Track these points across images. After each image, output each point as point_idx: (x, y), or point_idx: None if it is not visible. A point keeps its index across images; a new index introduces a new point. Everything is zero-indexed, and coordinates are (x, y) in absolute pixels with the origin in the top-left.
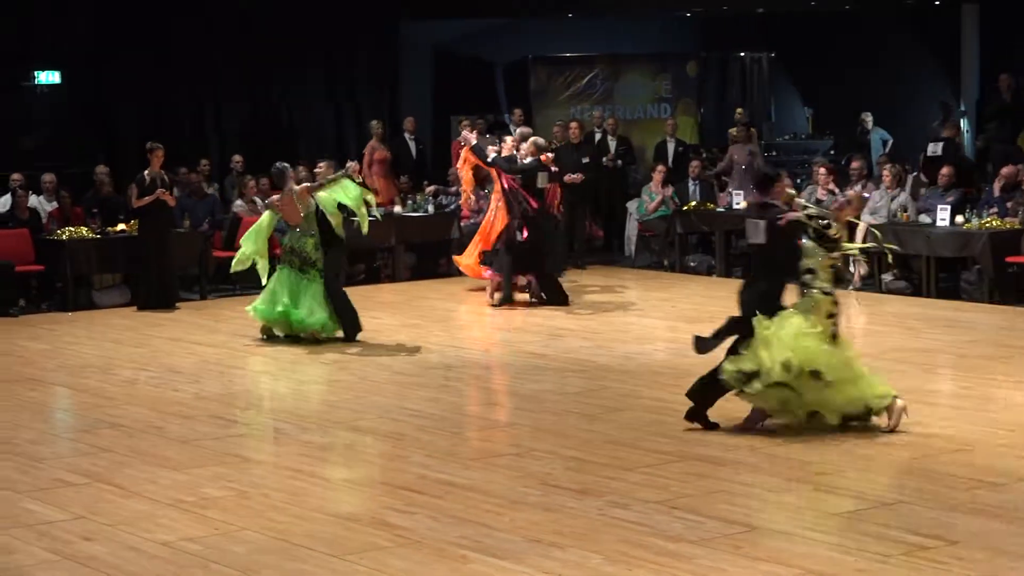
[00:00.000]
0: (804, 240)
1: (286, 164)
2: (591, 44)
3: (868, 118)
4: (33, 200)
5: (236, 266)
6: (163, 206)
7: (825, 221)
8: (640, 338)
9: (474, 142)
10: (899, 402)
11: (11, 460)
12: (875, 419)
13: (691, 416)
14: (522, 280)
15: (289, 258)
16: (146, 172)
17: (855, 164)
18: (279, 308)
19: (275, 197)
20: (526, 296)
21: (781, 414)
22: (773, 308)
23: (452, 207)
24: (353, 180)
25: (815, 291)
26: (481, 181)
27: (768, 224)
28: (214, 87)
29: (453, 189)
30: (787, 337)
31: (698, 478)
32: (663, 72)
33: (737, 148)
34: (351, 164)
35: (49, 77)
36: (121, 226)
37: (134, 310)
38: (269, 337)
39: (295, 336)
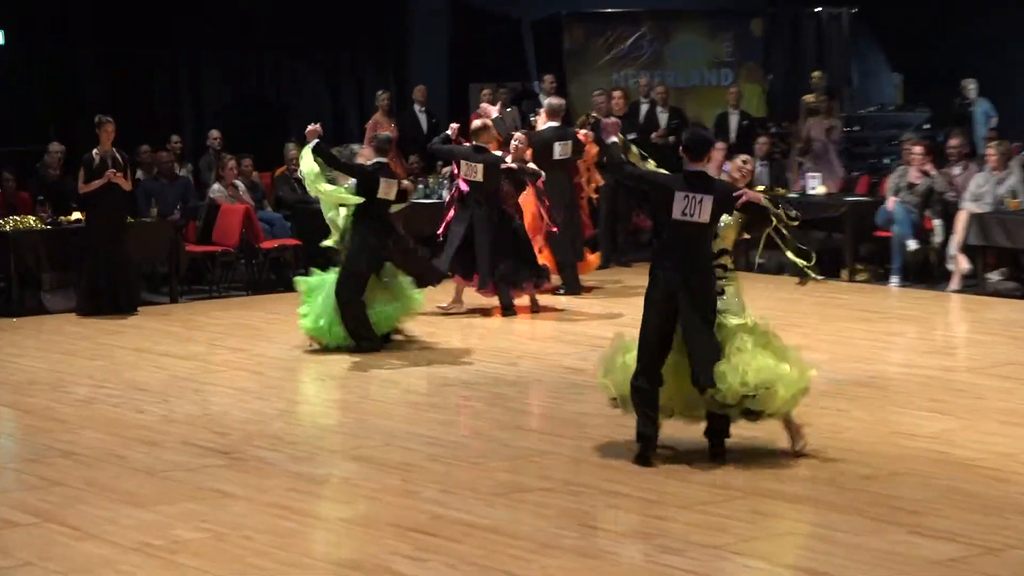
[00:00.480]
0: (726, 216)
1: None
2: None
3: (971, 86)
4: None
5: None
6: (116, 191)
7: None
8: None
9: (495, 115)
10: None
11: None
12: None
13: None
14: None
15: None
16: (95, 151)
17: (954, 141)
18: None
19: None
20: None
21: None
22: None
23: None
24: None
25: (730, 274)
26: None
27: (717, 201)
28: (191, 49)
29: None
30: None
31: (767, 518)
32: (723, 31)
33: (815, 122)
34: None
35: None
36: (76, 215)
37: (70, 317)
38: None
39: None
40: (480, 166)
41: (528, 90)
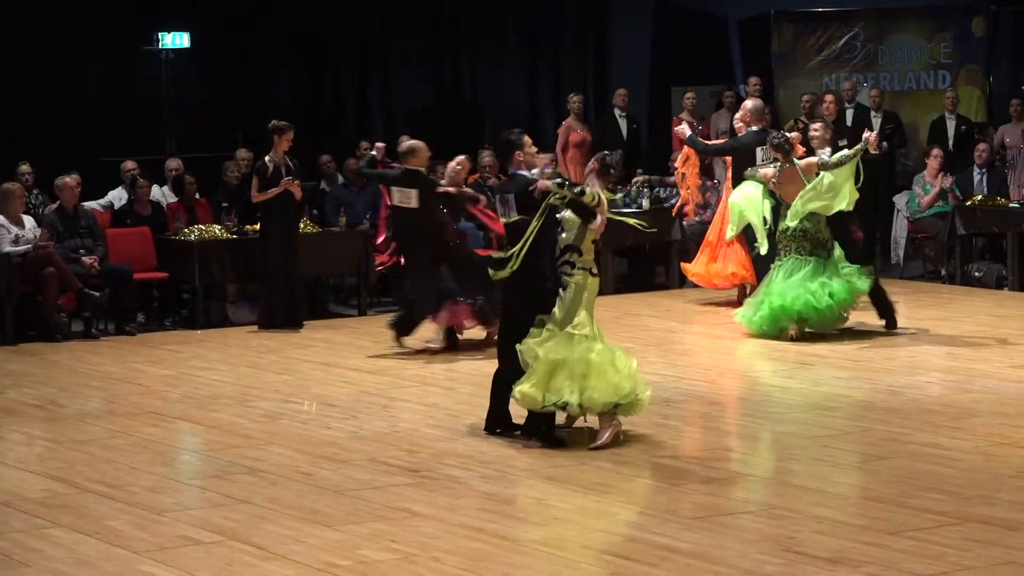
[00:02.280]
0: (562, 213)
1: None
2: None
3: None
4: (156, 192)
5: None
6: (290, 199)
7: (579, 188)
8: (910, 368)
9: (689, 134)
10: (621, 418)
11: (127, 512)
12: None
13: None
14: None
15: (798, 244)
16: (267, 158)
17: None
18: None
19: (767, 170)
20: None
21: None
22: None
23: (673, 202)
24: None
25: (578, 272)
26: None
27: (519, 197)
28: (383, 52)
29: (673, 179)
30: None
31: (983, 545)
32: (941, 31)
33: (1009, 128)
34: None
35: (176, 40)
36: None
37: (254, 330)
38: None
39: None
40: (414, 192)
41: (735, 93)
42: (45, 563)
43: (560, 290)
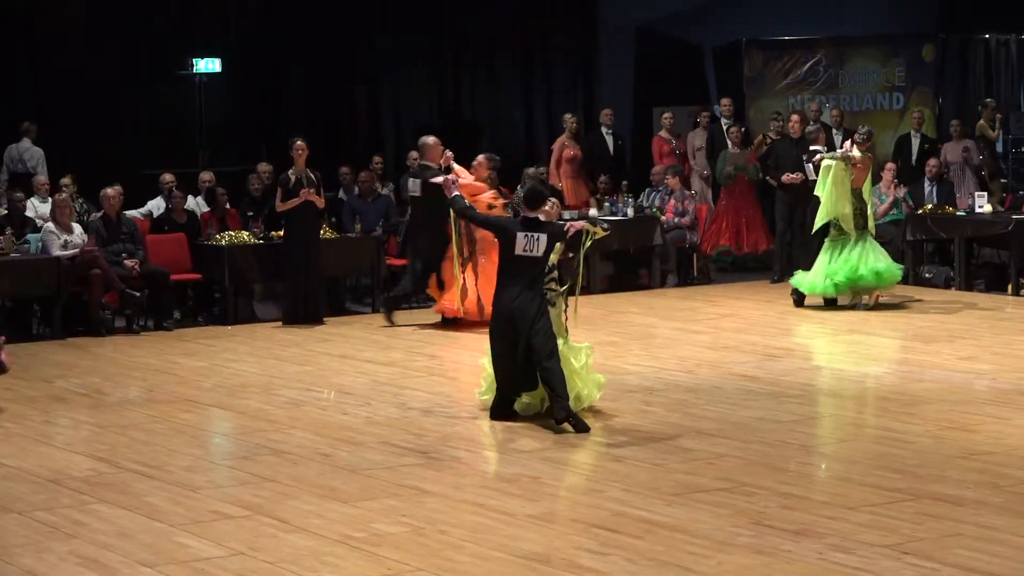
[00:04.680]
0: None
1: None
2: (813, 25)
3: None
4: (191, 202)
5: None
6: (310, 208)
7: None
8: (867, 359)
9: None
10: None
11: (164, 490)
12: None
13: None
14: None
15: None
16: (290, 171)
17: None
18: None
19: (856, 154)
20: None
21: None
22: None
23: (655, 211)
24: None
25: (553, 287)
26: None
27: (551, 237)
28: (392, 75)
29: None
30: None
31: (933, 519)
32: (895, 56)
33: (950, 145)
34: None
35: (209, 65)
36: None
37: (279, 325)
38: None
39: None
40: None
41: (711, 113)
42: (90, 535)
43: (549, 306)
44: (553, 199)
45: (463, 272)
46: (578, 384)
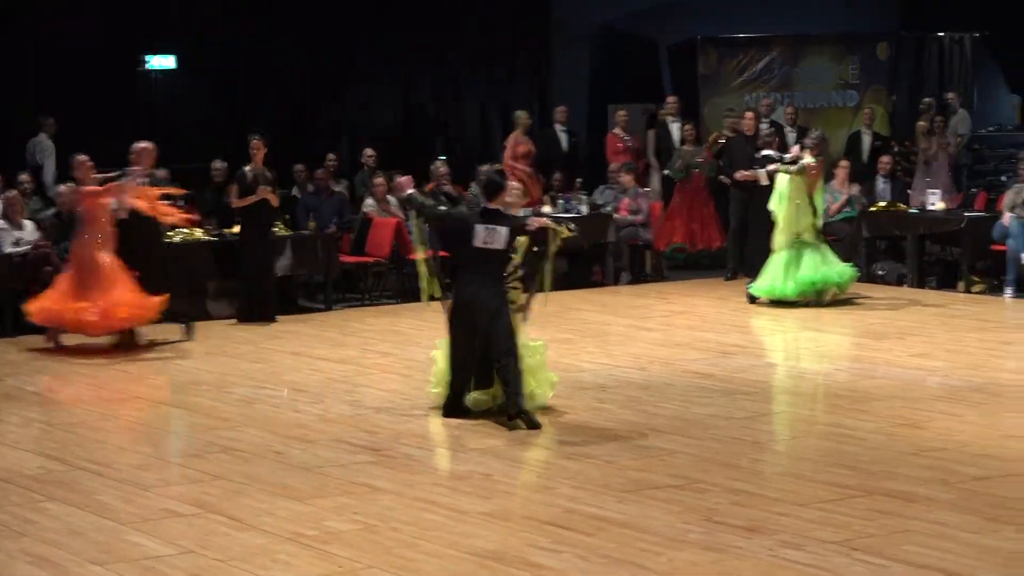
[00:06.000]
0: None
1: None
2: (768, 23)
3: None
4: None
5: None
6: (266, 206)
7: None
8: (820, 356)
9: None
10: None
11: (115, 487)
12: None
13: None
14: None
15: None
16: (247, 168)
17: None
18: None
19: (810, 160)
20: None
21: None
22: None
23: (609, 208)
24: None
25: (512, 285)
26: None
27: (512, 230)
28: (347, 72)
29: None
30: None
31: (883, 516)
32: (850, 55)
33: (929, 142)
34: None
35: (163, 62)
36: (237, 228)
37: (233, 323)
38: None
39: None
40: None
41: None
42: (40, 533)
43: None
44: (517, 185)
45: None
46: (531, 383)
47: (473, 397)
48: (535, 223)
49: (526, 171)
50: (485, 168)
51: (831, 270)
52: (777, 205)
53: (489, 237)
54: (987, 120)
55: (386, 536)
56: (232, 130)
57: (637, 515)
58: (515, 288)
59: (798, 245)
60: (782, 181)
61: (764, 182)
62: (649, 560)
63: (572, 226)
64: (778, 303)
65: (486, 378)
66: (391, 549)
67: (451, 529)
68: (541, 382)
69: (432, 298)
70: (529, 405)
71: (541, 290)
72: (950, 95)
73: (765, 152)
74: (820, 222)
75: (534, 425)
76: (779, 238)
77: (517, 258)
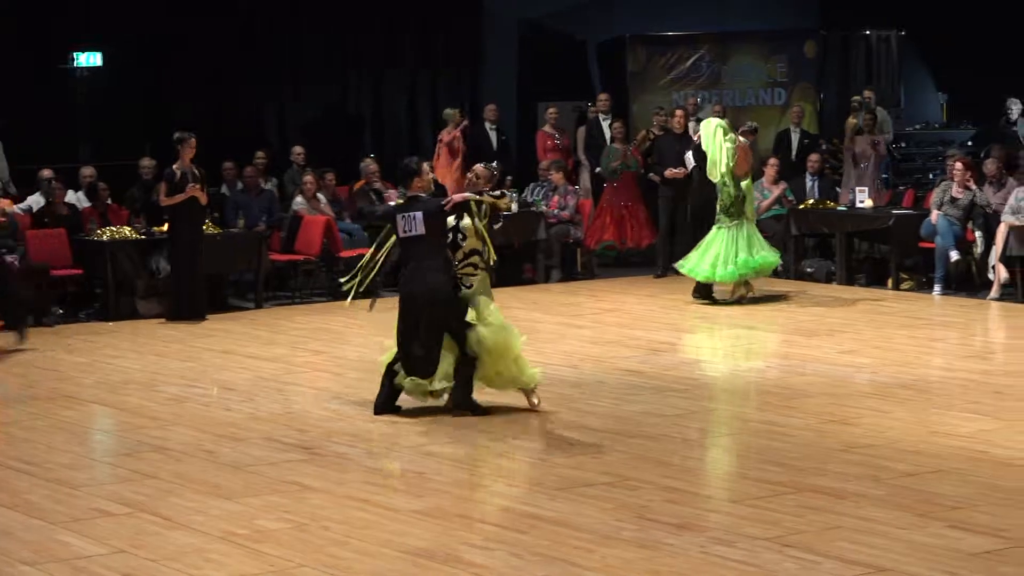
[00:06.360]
0: (466, 221)
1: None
2: (696, 21)
3: (1015, 106)
4: (71, 196)
5: None
6: (195, 204)
7: (499, 192)
8: (749, 354)
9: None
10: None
11: (45, 487)
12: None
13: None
14: None
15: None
16: (175, 166)
17: (990, 167)
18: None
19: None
20: None
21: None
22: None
23: (541, 208)
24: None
25: (479, 272)
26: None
27: (427, 214)
28: (276, 70)
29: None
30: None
31: (814, 512)
32: (777, 53)
33: (861, 139)
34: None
35: (90, 59)
36: (166, 226)
37: (162, 322)
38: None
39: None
40: None
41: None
42: None
43: (464, 288)
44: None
45: None
46: (513, 368)
47: (411, 382)
48: (452, 200)
49: (454, 169)
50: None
51: (753, 254)
52: (707, 144)
53: (408, 225)
54: (914, 118)
55: (317, 535)
56: (160, 128)
57: (569, 512)
58: (468, 272)
59: (727, 228)
60: (715, 131)
61: (689, 167)
62: (581, 558)
63: (501, 192)
64: (700, 294)
65: (428, 366)
66: (323, 548)
67: (383, 527)
68: (524, 365)
69: (360, 295)
70: (519, 386)
71: (489, 264)
72: (867, 94)
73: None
74: (752, 212)
75: (476, 411)
76: (710, 173)
77: (472, 242)
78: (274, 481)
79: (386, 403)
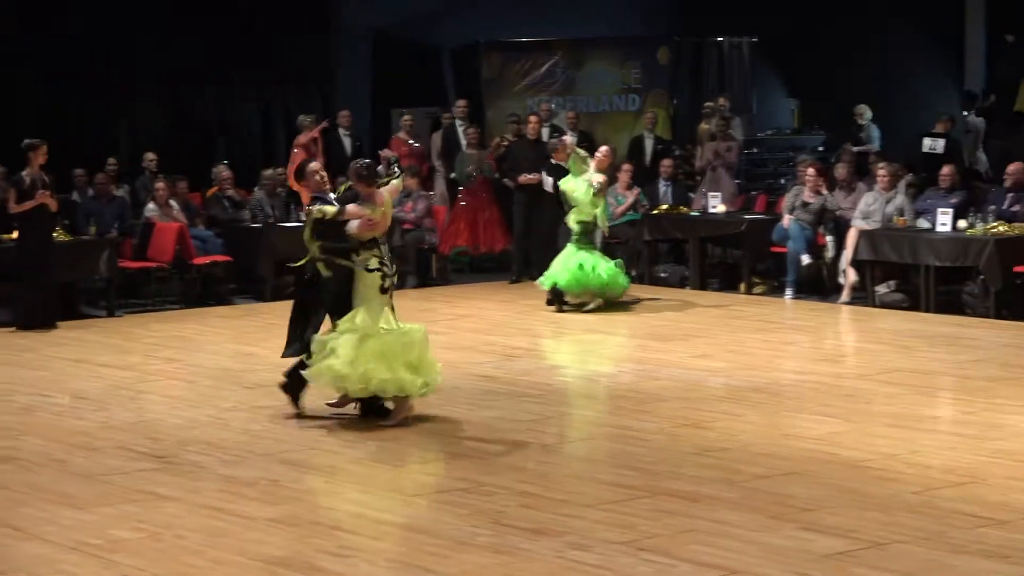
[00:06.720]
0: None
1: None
2: (550, 27)
3: (864, 112)
4: None
5: None
6: (45, 211)
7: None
8: (604, 358)
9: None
10: (412, 401)
11: None
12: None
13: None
14: None
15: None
16: (25, 173)
17: (841, 171)
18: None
19: (598, 177)
20: None
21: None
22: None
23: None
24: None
25: (372, 272)
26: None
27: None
28: (126, 74)
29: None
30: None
31: (668, 516)
32: (631, 59)
33: (712, 145)
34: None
35: None
36: (15, 234)
37: (12, 330)
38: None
39: None
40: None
41: (452, 116)
42: None
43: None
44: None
45: None
46: (407, 377)
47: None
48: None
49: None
50: (268, 173)
51: (603, 271)
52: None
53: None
54: (766, 124)
55: (172, 544)
56: (8, 134)
57: (425, 519)
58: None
59: (581, 244)
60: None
61: (548, 189)
62: (437, 564)
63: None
64: (555, 301)
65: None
66: (177, 557)
67: (238, 536)
68: (426, 369)
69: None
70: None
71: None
72: (722, 101)
73: (555, 161)
74: (606, 225)
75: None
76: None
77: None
78: (127, 490)
79: (368, 409)
